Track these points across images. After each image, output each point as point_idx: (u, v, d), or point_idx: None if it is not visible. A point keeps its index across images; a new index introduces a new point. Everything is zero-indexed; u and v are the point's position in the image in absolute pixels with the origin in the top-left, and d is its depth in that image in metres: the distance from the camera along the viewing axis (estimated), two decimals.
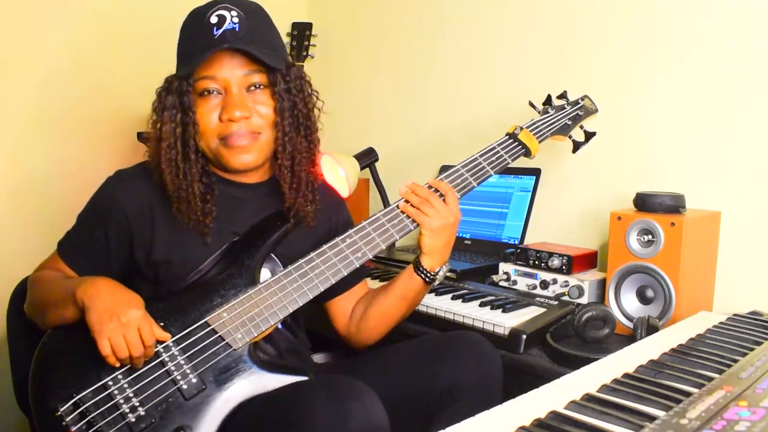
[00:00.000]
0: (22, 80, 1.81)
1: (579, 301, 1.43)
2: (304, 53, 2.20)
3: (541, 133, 1.33)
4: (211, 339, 1.06)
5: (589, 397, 0.77)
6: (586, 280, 1.44)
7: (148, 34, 2.01)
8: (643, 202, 1.35)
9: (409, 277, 1.21)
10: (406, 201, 1.18)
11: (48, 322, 1.10)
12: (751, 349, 0.94)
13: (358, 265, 1.14)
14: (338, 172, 1.77)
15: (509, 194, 1.79)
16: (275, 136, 1.15)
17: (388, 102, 2.22)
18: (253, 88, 1.12)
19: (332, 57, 2.35)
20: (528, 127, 1.32)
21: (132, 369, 1.03)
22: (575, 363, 1.07)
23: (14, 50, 1.79)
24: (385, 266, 1.76)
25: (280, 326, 1.15)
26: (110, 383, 1.02)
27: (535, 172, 1.75)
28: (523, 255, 1.55)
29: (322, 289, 1.12)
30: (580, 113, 1.40)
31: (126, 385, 1.02)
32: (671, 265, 1.27)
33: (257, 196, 1.20)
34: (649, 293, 1.32)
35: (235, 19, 1.09)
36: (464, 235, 1.83)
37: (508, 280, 1.56)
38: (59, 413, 1.00)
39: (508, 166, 1.28)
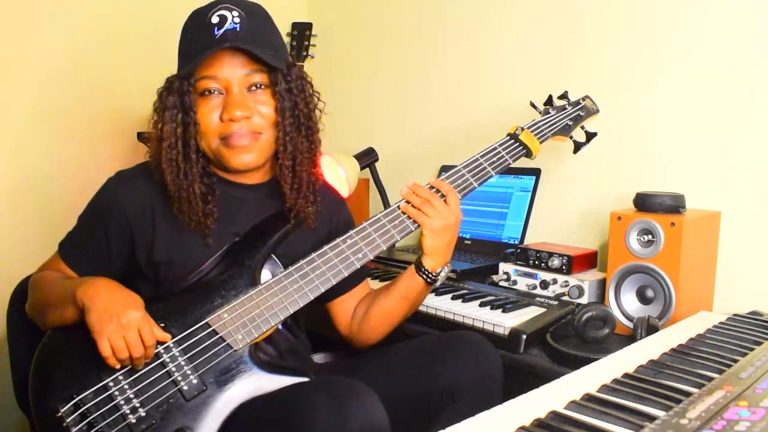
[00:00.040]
0: (22, 80, 1.81)
1: (579, 301, 1.43)
2: (304, 53, 2.20)
3: (543, 133, 1.33)
4: (211, 340, 1.06)
5: (589, 397, 0.77)
6: (586, 280, 1.44)
7: (148, 34, 2.01)
8: (643, 202, 1.35)
9: (411, 277, 1.21)
10: (407, 201, 1.18)
11: (48, 322, 1.10)
12: (751, 349, 0.94)
13: (358, 266, 1.14)
14: (338, 172, 1.77)
15: (509, 194, 1.79)
16: (276, 136, 1.15)
17: (388, 102, 2.22)
18: (254, 88, 1.12)
19: (332, 57, 2.35)
20: (529, 128, 1.32)
21: (133, 370, 1.03)
22: (575, 363, 1.07)
23: (14, 50, 1.79)
24: (385, 266, 1.76)
25: (280, 327, 1.15)
26: (111, 384, 1.02)
27: (535, 172, 1.75)
28: (523, 255, 1.55)
29: (323, 290, 1.12)
30: (582, 114, 1.40)
31: (127, 386, 1.02)
32: (671, 265, 1.27)
33: (258, 196, 1.20)
34: (649, 293, 1.32)
35: (236, 19, 1.09)
36: (464, 235, 1.83)
37: (508, 280, 1.56)
38: (60, 414, 1.00)
39: (509, 166, 1.28)
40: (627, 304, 1.34)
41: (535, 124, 1.34)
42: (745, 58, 1.43)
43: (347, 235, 1.15)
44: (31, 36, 1.81)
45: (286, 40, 2.12)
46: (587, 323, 1.23)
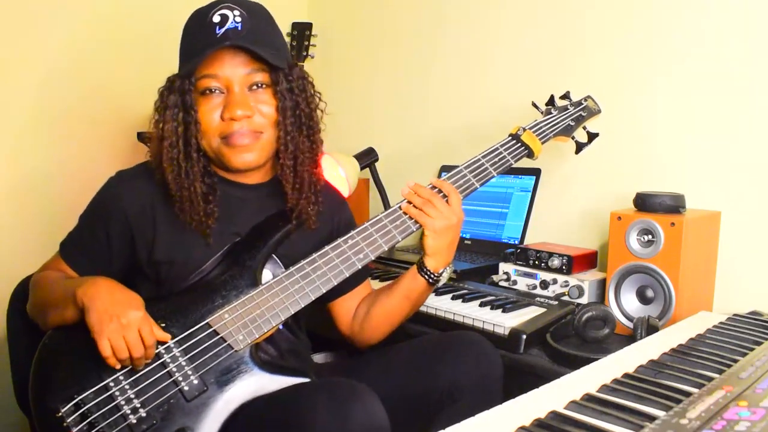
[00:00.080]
0: (22, 80, 1.81)
1: (579, 301, 1.43)
2: (304, 53, 2.20)
3: (544, 134, 1.33)
4: (212, 340, 1.06)
5: (589, 397, 0.77)
6: (586, 280, 1.44)
7: (148, 34, 2.01)
8: (643, 202, 1.35)
9: (413, 277, 1.21)
10: (409, 202, 1.18)
11: (49, 322, 1.10)
12: (751, 349, 0.94)
13: (360, 266, 1.14)
14: (338, 172, 1.77)
15: (509, 194, 1.79)
16: (277, 135, 1.15)
17: (388, 102, 2.22)
18: (255, 87, 1.12)
19: (332, 57, 2.35)
20: (531, 128, 1.32)
21: (133, 370, 1.03)
22: (575, 363, 1.07)
23: (14, 50, 1.79)
24: (385, 266, 1.76)
25: (281, 327, 1.15)
26: (111, 384, 1.02)
27: (535, 172, 1.75)
28: (523, 255, 1.55)
29: (324, 290, 1.12)
30: (583, 114, 1.40)
31: (127, 386, 1.02)
32: (671, 265, 1.27)
33: (259, 196, 1.20)
34: (649, 293, 1.32)
35: (238, 18, 1.09)
36: (464, 235, 1.83)
37: (508, 280, 1.56)
38: (60, 414, 1.00)
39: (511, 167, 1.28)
40: (627, 304, 1.34)
41: (537, 124, 1.34)
42: (745, 58, 1.43)
43: (349, 235, 1.15)
44: (31, 36, 1.81)
45: (286, 40, 2.12)
46: (587, 323, 1.23)
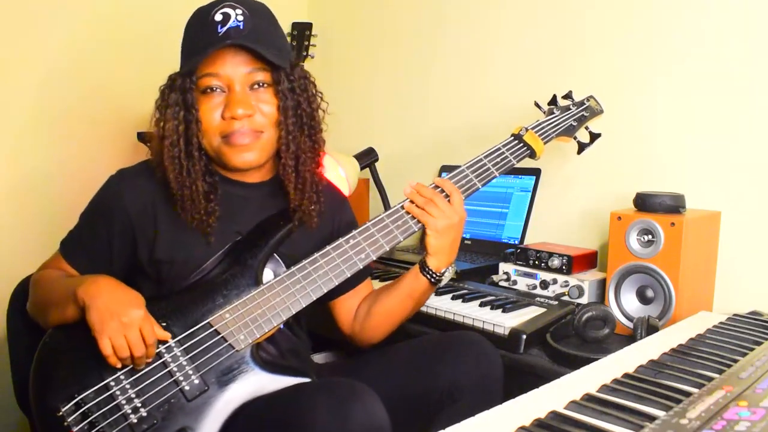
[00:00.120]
0: (22, 80, 1.81)
1: (579, 301, 1.43)
2: (304, 53, 2.20)
3: (547, 134, 1.32)
4: (213, 340, 1.06)
5: (589, 397, 0.77)
6: (586, 280, 1.44)
7: (148, 34, 2.01)
8: (643, 202, 1.35)
9: (415, 277, 1.21)
10: (411, 201, 1.18)
11: (49, 321, 1.10)
12: (751, 349, 0.94)
13: (361, 266, 1.14)
14: (338, 172, 1.77)
15: (509, 194, 1.79)
16: (278, 135, 1.14)
17: (388, 102, 2.22)
18: (256, 86, 1.12)
19: (332, 57, 2.35)
20: (533, 128, 1.31)
21: (134, 369, 1.02)
22: (575, 363, 1.07)
23: (14, 50, 1.79)
24: (385, 266, 1.76)
25: (282, 327, 1.15)
26: (112, 383, 1.01)
27: (535, 172, 1.75)
28: (523, 255, 1.55)
29: (326, 290, 1.12)
30: (586, 114, 1.39)
31: (128, 386, 1.02)
32: (671, 265, 1.27)
33: (260, 195, 1.20)
34: (649, 293, 1.32)
35: (240, 17, 1.08)
36: (464, 235, 1.83)
37: (508, 280, 1.56)
38: (61, 413, 1.00)
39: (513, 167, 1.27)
40: (627, 304, 1.34)
41: (540, 124, 1.33)
42: (745, 58, 1.43)
43: (350, 235, 1.15)
44: (31, 36, 1.81)
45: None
46: (587, 323, 1.24)
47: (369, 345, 1.28)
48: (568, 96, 1.41)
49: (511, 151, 1.27)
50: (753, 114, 1.42)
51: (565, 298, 1.45)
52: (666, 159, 1.56)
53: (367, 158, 1.96)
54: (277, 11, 1.20)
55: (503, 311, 1.37)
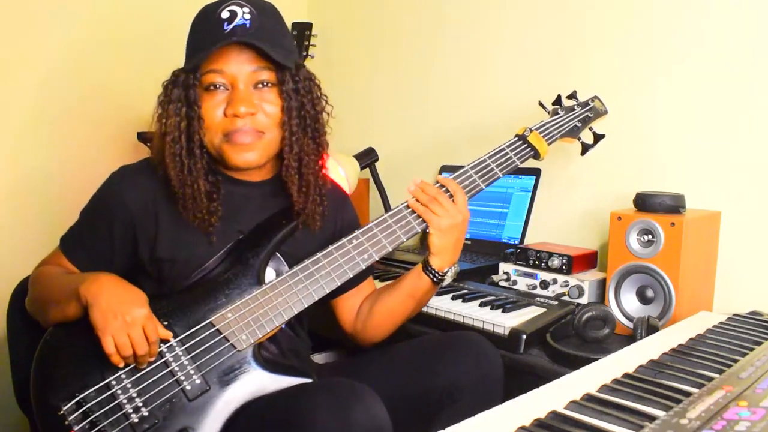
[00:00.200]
0: (22, 80, 1.81)
1: (579, 301, 1.43)
2: (304, 53, 2.20)
3: (551, 135, 1.32)
4: (215, 340, 1.06)
5: (589, 397, 0.77)
6: (586, 280, 1.44)
7: (148, 34, 2.01)
8: (643, 202, 1.35)
9: (417, 276, 1.20)
10: (416, 200, 1.18)
11: (50, 319, 1.10)
12: (751, 349, 0.94)
13: (364, 267, 1.14)
14: (338, 172, 1.77)
15: (509, 194, 1.79)
16: (281, 135, 1.14)
17: (388, 102, 2.22)
18: (260, 85, 1.11)
19: (332, 57, 2.35)
20: (537, 129, 1.30)
21: (136, 369, 1.02)
22: (575, 363, 1.07)
23: (14, 50, 1.79)
24: (385, 266, 1.76)
25: (283, 326, 1.15)
26: (113, 383, 1.01)
27: (535, 172, 1.75)
28: (523, 255, 1.55)
29: (328, 291, 1.11)
30: (590, 115, 1.38)
31: (129, 385, 1.02)
32: (671, 265, 1.27)
33: (262, 194, 1.20)
34: (649, 293, 1.32)
35: (247, 16, 1.08)
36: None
37: (508, 280, 1.56)
38: (62, 412, 1.00)
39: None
40: (627, 304, 1.34)
41: (544, 125, 1.32)
42: (745, 58, 1.43)
43: (353, 235, 1.15)
44: (31, 36, 1.81)
45: None
46: (587, 323, 1.24)
47: (370, 344, 1.28)
48: (572, 96, 1.40)
49: (515, 152, 1.27)
50: (753, 114, 1.42)
51: (565, 298, 1.45)
52: (666, 159, 1.56)
53: (367, 158, 1.96)
54: None
55: (503, 311, 1.37)
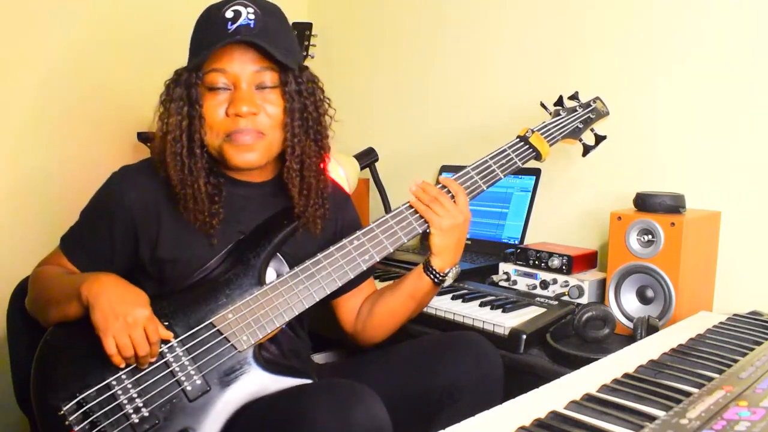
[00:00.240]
0: (22, 80, 1.81)
1: (579, 301, 1.43)
2: (304, 53, 2.20)
3: (553, 136, 1.31)
4: (216, 340, 1.06)
5: (589, 397, 0.77)
6: (586, 280, 1.44)
7: (148, 34, 2.01)
8: (643, 202, 1.35)
9: (418, 277, 1.20)
10: (417, 199, 1.17)
11: (50, 318, 1.10)
12: (751, 349, 0.94)
13: (365, 268, 1.14)
14: (338, 172, 1.77)
15: (509, 194, 1.79)
16: (283, 137, 1.14)
17: (388, 102, 2.22)
18: (262, 86, 1.11)
19: (332, 57, 2.35)
20: (539, 130, 1.30)
21: (136, 369, 1.02)
22: (575, 363, 1.07)
23: (14, 50, 1.79)
24: (385, 266, 1.76)
25: (284, 327, 1.15)
26: (114, 383, 1.01)
27: (535, 172, 1.75)
28: (523, 255, 1.55)
29: (329, 292, 1.11)
30: (592, 116, 1.38)
31: (130, 386, 1.01)
32: (671, 265, 1.27)
33: (263, 194, 1.20)
34: (649, 293, 1.32)
35: (251, 16, 1.08)
36: None
37: (508, 280, 1.56)
38: (62, 412, 1.00)
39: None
40: (627, 304, 1.34)
41: (545, 126, 1.32)
42: (745, 58, 1.43)
43: (354, 236, 1.15)
44: (31, 36, 1.81)
45: None
46: (587, 323, 1.24)
47: (371, 344, 1.28)
48: (574, 97, 1.40)
49: (516, 153, 1.27)
50: (753, 114, 1.42)
51: (565, 298, 1.45)
52: (666, 159, 1.56)
53: (367, 158, 1.96)
54: None
55: (503, 311, 1.37)
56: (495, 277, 1.59)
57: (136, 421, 1.00)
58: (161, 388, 1.02)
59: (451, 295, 1.49)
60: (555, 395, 0.78)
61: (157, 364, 1.03)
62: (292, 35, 1.18)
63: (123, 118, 1.98)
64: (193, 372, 1.03)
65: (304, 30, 2.19)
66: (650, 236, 1.30)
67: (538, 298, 1.45)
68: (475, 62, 1.95)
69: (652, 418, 0.70)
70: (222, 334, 1.06)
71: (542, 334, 1.27)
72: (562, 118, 1.35)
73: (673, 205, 1.33)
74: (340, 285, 1.12)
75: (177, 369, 1.03)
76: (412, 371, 1.16)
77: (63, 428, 1.00)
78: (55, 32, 1.86)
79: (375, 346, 1.28)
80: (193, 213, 1.11)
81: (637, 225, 1.31)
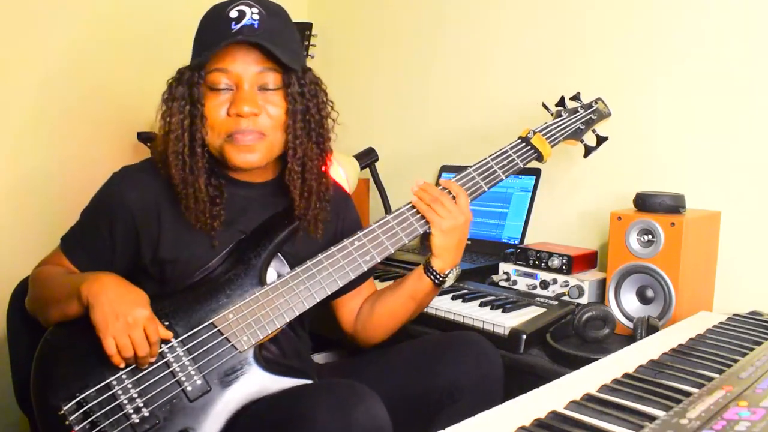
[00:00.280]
0: (22, 80, 1.81)
1: (579, 301, 1.43)
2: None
3: (554, 137, 1.31)
4: (217, 341, 1.06)
5: (589, 397, 0.77)
6: (586, 280, 1.44)
7: (148, 34, 2.01)
8: (643, 202, 1.35)
9: (419, 277, 1.20)
10: (419, 199, 1.17)
11: (50, 318, 1.10)
12: (751, 349, 0.94)
13: (366, 269, 1.14)
14: (338, 172, 1.77)
15: (509, 194, 1.79)
16: (285, 139, 1.13)
17: (388, 102, 2.22)
18: (265, 87, 1.11)
19: (332, 57, 2.35)
20: (541, 131, 1.30)
21: (136, 369, 1.02)
22: (575, 363, 1.07)
23: (14, 50, 1.79)
24: (385, 266, 1.76)
25: (285, 327, 1.14)
26: (114, 383, 1.01)
27: (535, 172, 1.75)
28: (523, 255, 1.55)
29: (330, 292, 1.11)
30: (594, 117, 1.37)
31: (130, 386, 1.01)
32: (671, 265, 1.27)
33: (264, 194, 1.20)
34: (649, 293, 1.32)
35: (255, 16, 1.08)
36: None
37: (508, 280, 1.56)
38: (62, 412, 1.00)
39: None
40: (627, 304, 1.34)
41: (547, 127, 1.32)
42: (745, 58, 1.43)
43: (355, 236, 1.15)
44: (31, 36, 1.81)
45: None
46: (587, 323, 1.24)
47: (370, 345, 1.28)
48: (576, 97, 1.39)
49: (518, 155, 1.27)
50: (753, 114, 1.42)
51: (565, 298, 1.45)
52: (666, 159, 1.56)
53: (367, 158, 1.96)
54: None
55: (503, 311, 1.37)
56: (495, 277, 1.59)
57: (137, 421, 1.00)
58: (161, 388, 1.02)
59: (451, 295, 1.49)
60: (555, 395, 0.78)
61: (158, 364, 1.03)
62: (296, 36, 1.17)
63: (123, 118, 1.98)
64: (193, 372, 1.03)
65: (304, 30, 2.19)
66: (650, 236, 1.30)
67: (538, 298, 1.45)
68: (475, 62, 1.95)
69: (652, 418, 0.70)
70: (223, 334, 1.06)
71: (542, 334, 1.27)
72: (564, 119, 1.35)
73: (673, 205, 1.33)
74: (341, 285, 1.12)
75: (177, 369, 1.03)
76: (412, 371, 1.16)
77: (63, 428, 1.00)
78: (55, 32, 1.86)
79: (375, 346, 1.28)
80: (194, 213, 1.10)
81: (637, 225, 1.31)
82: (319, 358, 1.53)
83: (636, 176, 1.59)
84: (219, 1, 1.13)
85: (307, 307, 1.10)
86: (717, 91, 1.47)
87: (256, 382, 1.06)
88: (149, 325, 0.99)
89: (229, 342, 1.06)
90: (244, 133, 1.10)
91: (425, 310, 1.40)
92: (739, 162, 1.45)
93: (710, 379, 0.82)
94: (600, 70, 1.66)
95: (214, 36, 1.08)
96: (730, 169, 1.46)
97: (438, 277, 1.19)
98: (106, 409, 1.00)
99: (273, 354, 1.13)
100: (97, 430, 0.99)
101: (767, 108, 1.41)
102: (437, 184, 1.20)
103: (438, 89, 2.06)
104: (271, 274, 1.14)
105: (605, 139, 1.38)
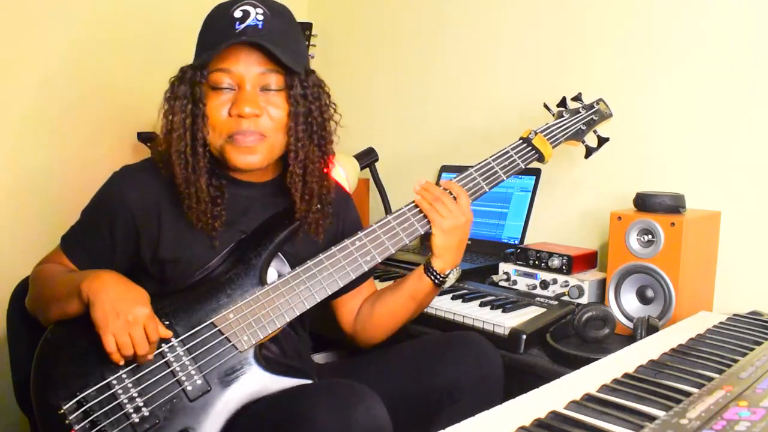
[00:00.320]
0: (22, 80, 1.81)
1: (579, 301, 1.43)
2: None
3: (556, 138, 1.31)
4: (217, 340, 1.06)
5: (589, 397, 0.77)
6: (586, 280, 1.44)
7: (148, 34, 2.01)
8: (643, 202, 1.35)
9: (419, 278, 1.20)
10: (422, 198, 1.17)
11: (50, 316, 1.09)
12: (751, 349, 0.94)
13: (366, 269, 1.14)
14: (338, 172, 1.77)
15: (509, 194, 1.79)
16: (286, 141, 1.13)
17: (388, 102, 2.22)
18: (267, 88, 1.10)
19: (332, 57, 2.35)
20: (542, 132, 1.30)
21: (137, 369, 1.02)
22: (575, 363, 1.07)
23: (14, 50, 1.79)
24: (385, 266, 1.76)
25: (285, 327, 1.14)
26: (114, 382, 1.01)
27: (535, 172, 1.75)
28: (523, 255, 1.55)
29: (330, 292, 1.11)
30: (595, 118, 1.37)
31: (130, 385, 1.01)
32: (671, 265, 1.27)
33: (264, 194, 1.19)
34: (649, 293, 1.32)
35: (260, 17, 1.07)
36: None
37: (508, 280, 1.56)
38: (62, 411, 1.00)
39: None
40: (627, 304, 1.34)
41: (549, 128, 1.32)
42: (745, 58, 1.43)
43: (356, 236, 1.15)
44: (31, 36, 1.81)
45: None
46: (587, 323, 1.24)
47: (370, 345, 1.28)
48: (577, 98, 1.39)
49: (519, 155, 1.27)
50: (753, 114, 1.42)
51: (565, 298, 1.45)
52: (666, 159, 1.56)
53: (367, 158, 1.96)
54: None
55: (503, 311, 1.37)
56: (495, 277, 1.59)
57: (137, 420, 1.00)
58: (162, 387, 1.02)
59: (451, 295, 1.49)
60: (555, 395, 0.78)
61: (158, 363, 1.03)
62: (300, 38, 1.17)
63: (123, 118, 1.98)
64: (193, 372, 1.03)
65: (304, 30, 2.19)
66: (650, 236, 1.30)
67: (538, 298, 1.45)
68: (475, 62, 1.95)
69: (652, 418, 0.70)
70: (223, 333, 1.06)
71: (542, 334, 1.27)
72: (565, 119, 1.35)
73: (673, 205, 1.33)
74: (342, 285, 1.12)
75: (177, 369, 1.03)
76: (412, 371, 1.16)
77: (63, 427, 0.99)
78: (55, 32, 1.86)
79: (375, 346, 1.28)
80: (195, 214, 1.10)
81: (637, 225, 1.31)
82: (319, 358, 1.53)
83: (636, 176, 1.59)
84: (221, 1, 1.13)
85: (308, 307, 1.10)
86: (717, 91, 1.47)
87: (257, 382, 1.06)
88: (149, 323, 0.99)
89: (230, 342, 1.06)
90: (244, 134, 1.09)
91: (425, 310, 1.40)
92: (739, 162, 1.45)
93: (710, 379, 0.82)
94: (600, 70, 1.66)
95: (217, 35, 1.08)
96: (730, 169, 1.46)
97: (438, 277, 1.19)
98: (106, 408, 1.00)
99: (273, 354, 1.13)
100: (97, 429, 0.99)
101: (767, 108, 1.41)
102: (438, 184, 1.20)
103: (438, 89, 2.06)
104: (271, 274, 1.13)
105: (606, 140, 1.38)
